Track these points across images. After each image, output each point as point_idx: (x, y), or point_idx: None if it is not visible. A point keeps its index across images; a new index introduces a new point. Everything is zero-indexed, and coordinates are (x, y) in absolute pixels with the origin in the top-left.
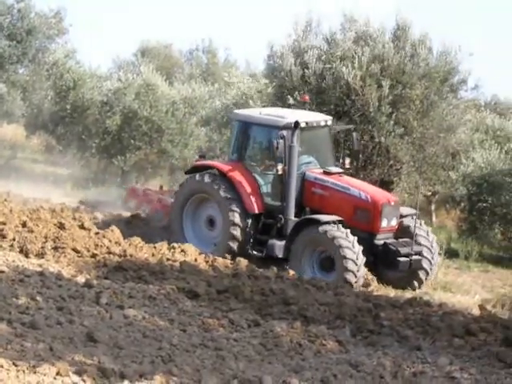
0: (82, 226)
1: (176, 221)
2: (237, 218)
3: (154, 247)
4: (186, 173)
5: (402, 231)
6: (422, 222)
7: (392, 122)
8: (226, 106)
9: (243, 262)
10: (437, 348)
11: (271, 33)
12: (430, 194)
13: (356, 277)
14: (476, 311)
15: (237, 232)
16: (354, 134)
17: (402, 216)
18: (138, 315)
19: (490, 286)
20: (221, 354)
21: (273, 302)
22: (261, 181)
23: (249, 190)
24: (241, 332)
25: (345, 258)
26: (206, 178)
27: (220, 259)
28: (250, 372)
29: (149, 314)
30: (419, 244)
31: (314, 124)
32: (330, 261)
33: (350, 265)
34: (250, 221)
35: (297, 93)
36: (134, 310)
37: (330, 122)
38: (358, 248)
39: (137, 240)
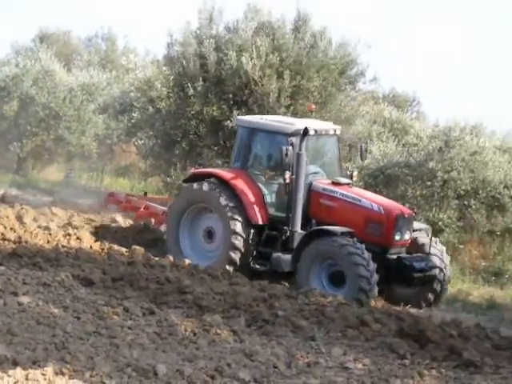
0: None
1: (171, 232)
2: (238, 228)
3: (50, 234)
4: (183, 181)
5: (414, 246)
6: (437, 240)
7: (290, 114)
8: (124, 92)
9: (139, 251)
10: (331, 338)
11: (174, 20)
12: None
13: (367, 297)
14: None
15: (238, 242)
16: (362, 144)
17: (413, 230)
18: (32, 302)
19: None
20: (115, 342)
21: (168, 290)
22: (265, 190)
23: (252, 199)
24: (135, 320)
25: (359, 276)
26: (207, 187)
27: (115, 246)
28: (144, 360)
29: (43, 301)
30: (432, 260)
31: (323, 132)
32: (341, 275)
33: (363, 284)
34: (252, 232)
35: (198, 82)
36: (28, 297)
37: (338, 131)
38: (373, 266)
39: (32, 227)
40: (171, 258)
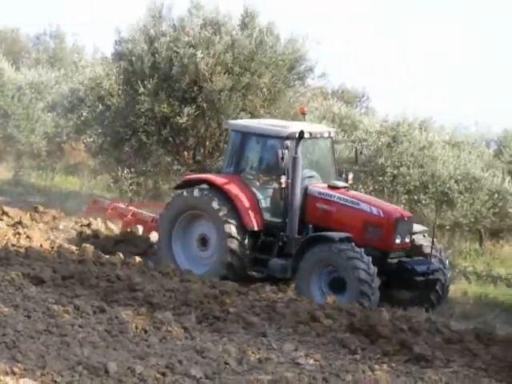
0: None
1: (164, 241)
2: (233, 231)
3: None
4: (175, 188)
5: (414, 249)
6: (439, 243)
7: (239, 110)
8: (73, 90)
9: (89, 248)
10: (282, 334)
11: (124, 18)
12: None
13: (370, 300)
14: None
15: (234, 245)
16: (358, 146)
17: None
18: None
19: None
20: (66, 340)
21: (118, 288)
22: (260, 195)
23: (247, 204)
24: (86, 318)
25: (359, 279)
26: (199, 193)
27: (65, 245)
28: (95, 358)
29: None
30: (433, 262)
31: (318, 135)
32: (341, 281)
33: (365, 288)
34: (248, 238)
35: (148, 79)
36: None
37: (333, 134)
38: (374, 270)
39: None
40: (121, 255)
